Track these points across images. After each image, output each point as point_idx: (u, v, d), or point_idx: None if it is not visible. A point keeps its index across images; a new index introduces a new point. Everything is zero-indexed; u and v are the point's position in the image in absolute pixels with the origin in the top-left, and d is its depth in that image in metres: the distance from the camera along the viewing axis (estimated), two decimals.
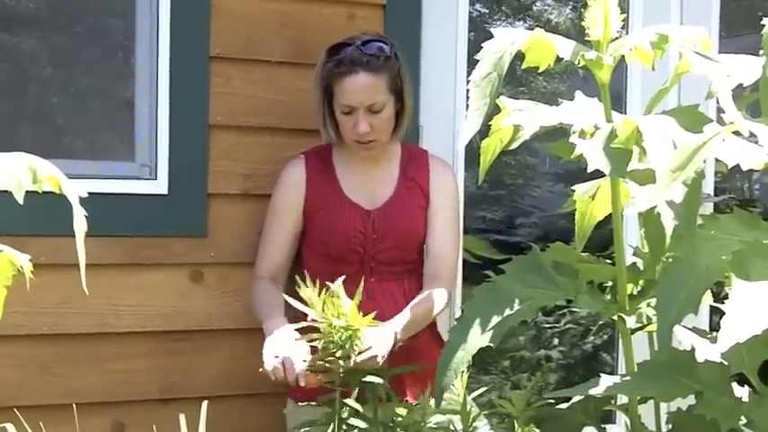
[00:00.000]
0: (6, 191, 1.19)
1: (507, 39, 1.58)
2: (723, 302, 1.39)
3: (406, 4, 2.74)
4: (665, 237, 1.65)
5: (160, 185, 2.52)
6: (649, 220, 1.66)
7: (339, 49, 2.38)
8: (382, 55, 2.38)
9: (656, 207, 1.62)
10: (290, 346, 2.13)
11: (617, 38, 1.63)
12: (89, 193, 1.27)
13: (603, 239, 1.96)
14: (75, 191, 1.21)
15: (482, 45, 1.58)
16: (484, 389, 1.98)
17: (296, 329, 2.07)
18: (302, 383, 2.07)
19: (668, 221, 1.65)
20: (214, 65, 2.56)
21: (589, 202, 1.86)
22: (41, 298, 2.35)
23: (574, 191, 1.89)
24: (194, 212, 2.55)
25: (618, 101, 2.98)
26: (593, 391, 1.65)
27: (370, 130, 2.38)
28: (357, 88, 2.36)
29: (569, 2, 3.85)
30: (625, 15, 1.68)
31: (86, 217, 1.24)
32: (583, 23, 1.64)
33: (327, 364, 1.93)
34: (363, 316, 2.42)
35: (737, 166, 1.47)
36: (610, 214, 1.77)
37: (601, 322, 3.88)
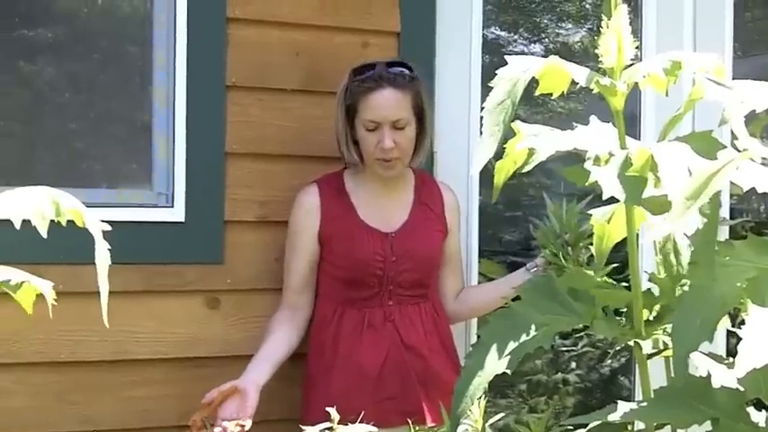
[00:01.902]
0: (25, 220, 1.20)
1: (521, 66, 1.58)
2: (740, 327, 1.38)
3: (420, 31, 2.76)
4: (682, 264, 1.64)
5: (177, 213, 2.54)
6: (666, 246, 1.66)
7: (363, 69, 2.43)
8: (407, 74, 2.43)
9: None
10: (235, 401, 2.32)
11: (631, 64, 1.64)
12: (106, 221, 1.28)
13: (618, 262, 1.95)
14: (97, 225, 1.22)
15: (496, 72, 1.58)
16: (501, 414, 1.97)
17: None
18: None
19: (684, 248, 1.64)
20: (230, 93, 2.58)
21: (605, 226, 1.85)
22: (59, 326, 2.36)
23: (589, 213, 1.89)
24: (211, 239, 2.57)
25: (632, 120, 2.97)
26: (609, 418, 1.64)
27: (394, 146, 2.40)
28: (383, 103, 2.39)
29: (586, 23, 3.84)
30: (638, 42, 1.68)
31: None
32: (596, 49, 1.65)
33: None
34: (381, 339, 2.44)
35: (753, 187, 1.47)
36: (625, 238, 1.77)
37: (618, 346, 3.86)
